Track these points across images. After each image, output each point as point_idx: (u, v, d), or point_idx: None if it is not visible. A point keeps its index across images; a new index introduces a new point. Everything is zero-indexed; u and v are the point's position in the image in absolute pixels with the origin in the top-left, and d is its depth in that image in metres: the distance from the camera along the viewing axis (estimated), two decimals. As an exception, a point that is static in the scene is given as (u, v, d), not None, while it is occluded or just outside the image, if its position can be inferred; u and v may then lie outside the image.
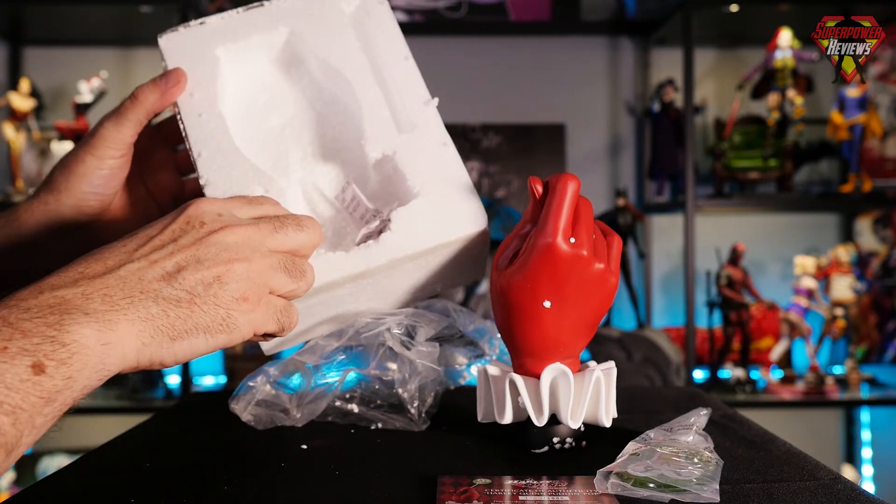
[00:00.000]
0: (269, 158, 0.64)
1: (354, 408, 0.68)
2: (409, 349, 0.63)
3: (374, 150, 0.60)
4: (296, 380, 0.66)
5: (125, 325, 0.40)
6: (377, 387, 0.68)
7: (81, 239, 0.63)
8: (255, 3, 0.65)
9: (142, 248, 0.44)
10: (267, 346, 0.62)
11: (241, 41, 0.64)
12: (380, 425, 0.67)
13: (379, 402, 0.68)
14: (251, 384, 0.67)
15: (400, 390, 0.64)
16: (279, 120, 0.66)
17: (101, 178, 0.61)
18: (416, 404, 0.65)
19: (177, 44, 0.63)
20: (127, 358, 0.41)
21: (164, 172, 0.68)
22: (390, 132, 0.61)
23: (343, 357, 0.64)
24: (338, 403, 0.68)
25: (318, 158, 0.65)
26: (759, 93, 2.19)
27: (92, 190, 0.61)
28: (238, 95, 0.65)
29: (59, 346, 0.37)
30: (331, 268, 0.56)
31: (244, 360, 2.09)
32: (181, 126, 0.61)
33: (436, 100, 0.62)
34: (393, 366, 0.65)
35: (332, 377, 0.65)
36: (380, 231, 0.57)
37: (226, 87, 0.63)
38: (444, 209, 0.58)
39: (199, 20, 0.64)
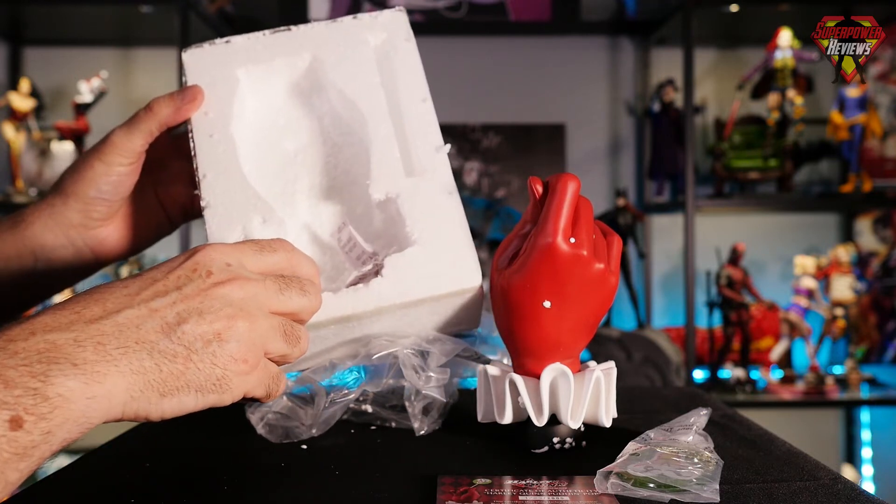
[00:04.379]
0: (276, 184, 0.63)
1: (369, 408, 0.68)
2: (418, 374, 0.62)
3: (379, 190, 0.59)
4: (309, 395, 0.66)
5: (115, 378, 0.38)
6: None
7: (88, 244, 0.63)
8: (282, 28, 0.64)
9: (144, 293, 0.42)
10: None
11: (264, 64, 0.63)
12: (393, 424, 0.67)
13: (394, 402, 0.68)
14: None
15: (407, 403, 0.64)
16: (293, 146, 0.65)
17: (109, 185, 0.61)
18: (420, 417, 0.65)
19: (199, 60, 0.63)
20: (112, 411, 0.39)
21: (177, 185, 0.68)
22: (397, 173, 0.60)
23: (357, 376, 0.64)
24: (352, 404, 0.68)
25: (326, 190, 0.65)
26: (759, 93, 2.19)
27: (99, 195, 0.61)
28: (254, 118, 0.64)
29: (41, 399, 0.36)
30: None
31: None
32: (191, 144, 0.61)
33: (448, 146, 0.61)
34: (405, 383, 0.64)
35: (347, 395, 0.65)
36: (374, 274, 0.57)
37: (243, 110, 0.63)
38: (439, 262, 0.57)
39: (226, 39, 0.64)
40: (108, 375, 0.38)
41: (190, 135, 0.61)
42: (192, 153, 0.60)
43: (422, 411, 0.64)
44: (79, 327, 0.39)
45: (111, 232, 0.64)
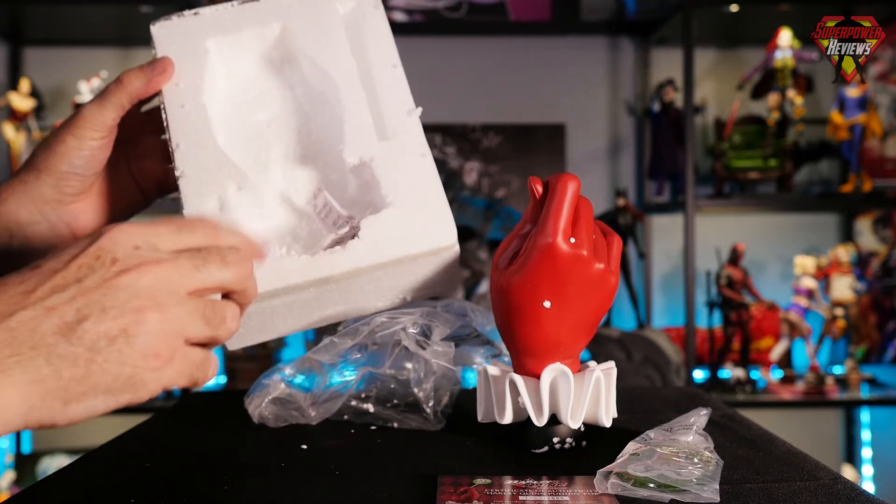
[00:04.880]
0: (250, 154, 0.64)
1: (370, 407, 0.69)
2: (424, 349, 0.63)
3: (352, 155, 0.60)
4: (311, 378, 0.67)
5: (8, 389, 0.36)
6: (393, 386, 0.68)
7: (63, 220, 0.63)
8: None
9: (41, 289, 0.38)
10: (230, 345, 0.61)
11: (233, 35, 0.64)
12: (395, 425, 0.67)
13: (395, 401, 0.68)
14: (266, 382, 0.68)
15: (416, 389, 0.64)
16: (265, 116, 0.66)
17: (81, 159, 0.60)
18: (431, 404, 0.65)
19: (168, 32, 0.64)
20: (11, 423, 0.36)
21: (150, 159, 0.67)
22: (370, 138, 0.60)
23: (359, 356, 0.64)
24: (353, 403, 0.68)
25: (300, 158, 0.65)
26: (759, 93, 2.19)
27: (72, 170, 0.61)
28: (226, 89, 0.65)
29: None
30: (294, 271, 0.55)
31: (244, 360, 2.08)
32: (163, 115, 0.61)
33: (419, 109, 0.62)
34: (409, 365, 0.65)
35: (348, 376, 0.66)
36: (351, 237, 0.57)
37: (213, 80, 0.63)
38: (414, 221, 0.57)
39: (194, 10, 0.64)
40: (1, 386, 0.36)
41: (162, 107, 0.62)
42: (165, 124, 0.61)
43: (432, 394, 0.65)
44: None
45: (85, 207, 0.64)
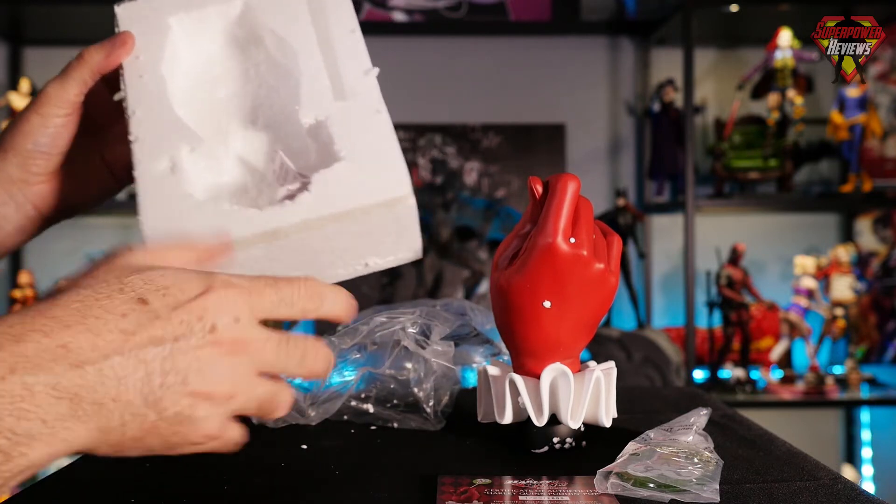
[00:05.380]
0: (209, 124, 0.64)
1: (370, 408, 0.68)
2: (423, 348, 0.63)
3: (308, 115, 0.60)
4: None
5: (80, 433, 0.37)
6: (392, 386, 0.68)
7: (30, 200, 0.63)
8: None
9: (140, 335, 0.38)
10: None
11: (196, 11, 0.65)
12: (395, 425, 0.67)
13: (395, 401, 0.68)
14: None
15: (416, 389, 0.64)
16: (227, 91, 0.67)
17: (46, 137, 0.61)
18: (431, 403, 0.65)
19: (132, 11, 0.65)
20: (62, 455, 0.38)
21: (122, 145, 0.67)
22: (327, 99, 0.60)
23: (358, 356, 0.64)
24: (353, 403, 0.68)
25: (262, 128, 0.66)
26: (759, 93, 2.19)
27: (37, 148, 0.61)
28: (189, 65, 0.66)
29: (1, 456, 0.35)
30: (240, 224, 0.54)
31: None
32: (123, 88, 0.61)
33: (376, 69, 0.62)
34: (408, 365, 0.65)
35: (348, 376, 0.65)
36: (301, 190, 0.56)
37: (175, 55, 0.64)
38: (365, 173, 0.56)
39: None
40: (74, 432, 0.36)
41: (122, 81, 0.62)
42: (124, 96, 0.61)
43: (432, 394, 0.65)
44: (61, 370, 0.36)
45: (53, 188, 0.64)
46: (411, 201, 0.56)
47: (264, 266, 0.56)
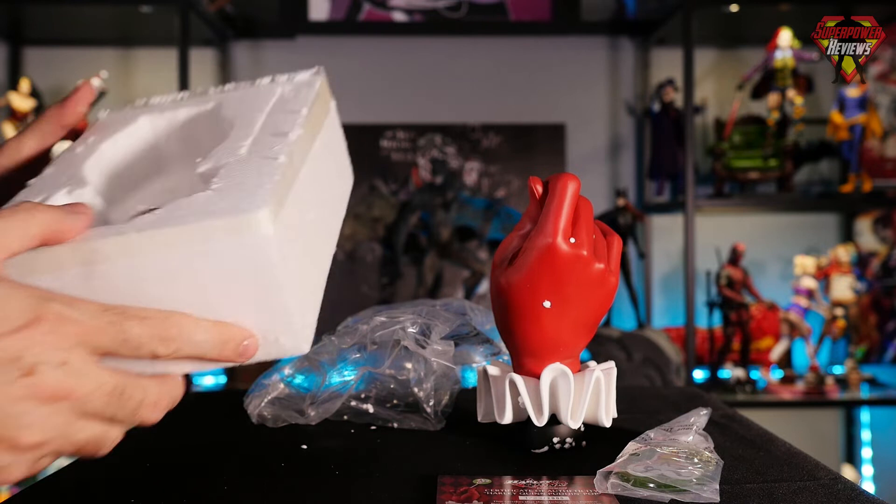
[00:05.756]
0: (117, 189, 0.62)
1: (370, 408, 0.68)
2: (423, 348, 0.63)
3: (207, 164, 0.53)
4: (310, 379, 0.67)
5: None
6: (392, 386, 0.68)
7: None
8: (200, 90, 0.65)
9: None
10: None
11: (169, 112, 0.64)
12: (395, 425, 0.67)
13: (395, 401, 0.68)
14: (265, 382, 0.68)
15: (416, 389, 0.64)
16: (162, 185, 0.65)
17: None
18: (431, 403, 0.65)
19: (112, 115, 0.65)
20: None
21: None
22: (232, 154, 0.53)
23: (358, 356, 0.64)
24: (353, 403, 0.68)
25: (160, 192, 0.64)
26: (759, 93, 2.19)
27: None
28: (133, 147, 0.64)
29: None
30: (97, 235, 0.45)
31: (244, 360, 2.08)
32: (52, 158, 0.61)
33: (297, 131, 0.56)
34: (408, 365, 0.65)
35: (347, 376, 0.66)
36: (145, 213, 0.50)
37: (127, 137, 0.63)
38: (223, 201, 0.45)
39: (145, 99, 0.66)
40: None
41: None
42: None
43: (432, 394, 0.65)
44: None
45: None
46: (268, 234, 0.43)
47: (79, 291, 0.43)
